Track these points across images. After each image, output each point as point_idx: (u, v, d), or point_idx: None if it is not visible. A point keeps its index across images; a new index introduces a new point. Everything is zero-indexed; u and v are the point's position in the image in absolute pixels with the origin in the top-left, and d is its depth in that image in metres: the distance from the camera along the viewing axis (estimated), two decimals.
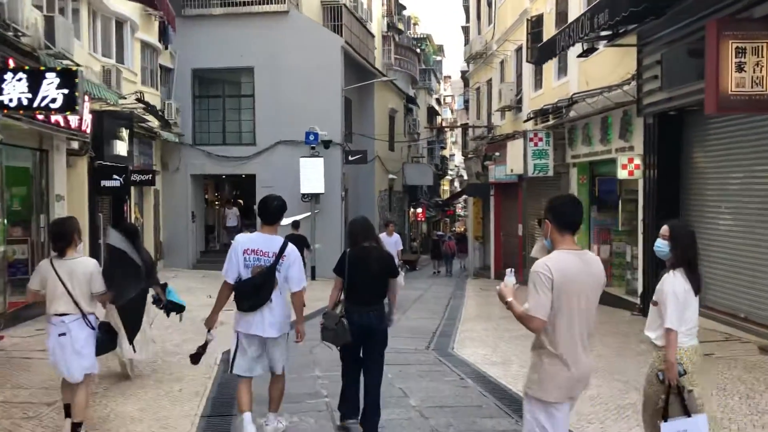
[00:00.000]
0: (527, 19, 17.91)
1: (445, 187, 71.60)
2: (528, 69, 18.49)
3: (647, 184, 10.92)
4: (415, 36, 52.10)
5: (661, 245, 4.26)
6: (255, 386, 5.37)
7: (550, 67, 16.48)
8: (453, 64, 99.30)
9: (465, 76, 28.75)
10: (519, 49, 19.57)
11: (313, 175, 20.83)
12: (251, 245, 5.09)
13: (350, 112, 24.66)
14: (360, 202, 26.63)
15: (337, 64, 21.86)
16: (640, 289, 11.35)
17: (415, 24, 57.07)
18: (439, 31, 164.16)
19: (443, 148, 64.88)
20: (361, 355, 5.50)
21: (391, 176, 30.19)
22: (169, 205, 22.08)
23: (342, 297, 5.45)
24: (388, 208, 30.41)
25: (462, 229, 71.58)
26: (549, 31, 16.48)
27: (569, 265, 3.50)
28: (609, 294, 13.32)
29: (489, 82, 23.82)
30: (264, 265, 5.01)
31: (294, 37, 21.78)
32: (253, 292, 5.02)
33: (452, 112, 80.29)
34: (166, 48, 21.20)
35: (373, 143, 26.31)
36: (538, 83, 17.99)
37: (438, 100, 67.18)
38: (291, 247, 5.15)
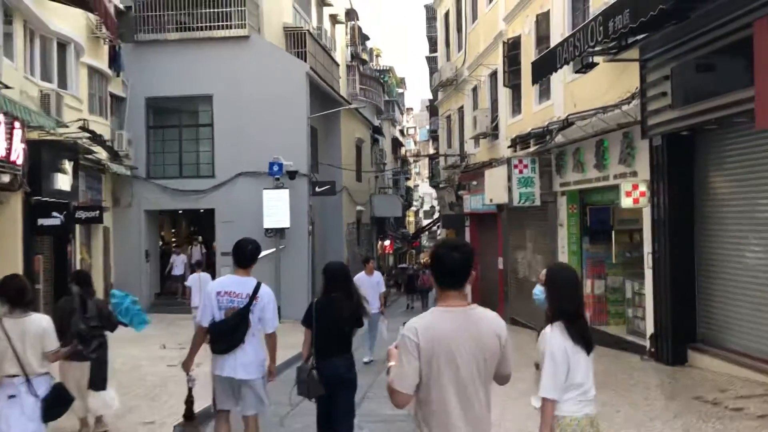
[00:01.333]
0: (503, 42, 16.98)
1: (410, 218, 70.61)
2: (504, 94, 17.49)
3: (655, 212, 9.81)
4: (378, 68, 51.46)
5: (538, 292, 3.94)
6: None
7: (531, 91, 15.49)
8: (414, 96, 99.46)
9: (435, 104, 27.80)
10: (494, 74, 18.61)
11: (277, 208, 19.42)
12: (225, 288, 5.20)
13: (316, 142, 23.40)
14: (328, 236, 25.23)
15: (302, 90, 20.62)
16: (650, 330, 10.17)
17: (377, 56, 56.57)
18: (400, 64, 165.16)
19: (408, 179, 64.12)
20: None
21: (359, 208, 28.89)
22: (121, 243, 20.37)
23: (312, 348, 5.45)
24: (357, 241, 29.05)
25: (426, 262, 70.67)
26: (528, 53, 15.54)
27: (444, 327, 2.91)
28: (607, 334, 12.16)
29: (460, 110, 22.83)
30: (237, 307, 5.09)
31: (255, 63, 20.50)
32: (226, 333, 5.08)
33: (415, 143, 79.96)
34: (118, 75, 19.77)
35: (341, 174, 25.03)
36: (516, 108, 16.98)
37: (401, 132, 66.55)
38: (264, 288, 5.28)
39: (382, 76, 46.90)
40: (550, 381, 3.41)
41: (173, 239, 26.55)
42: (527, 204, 13.72)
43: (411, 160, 68.27)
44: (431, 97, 43.60)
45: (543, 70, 10.65)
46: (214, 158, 20.74)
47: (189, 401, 5.60)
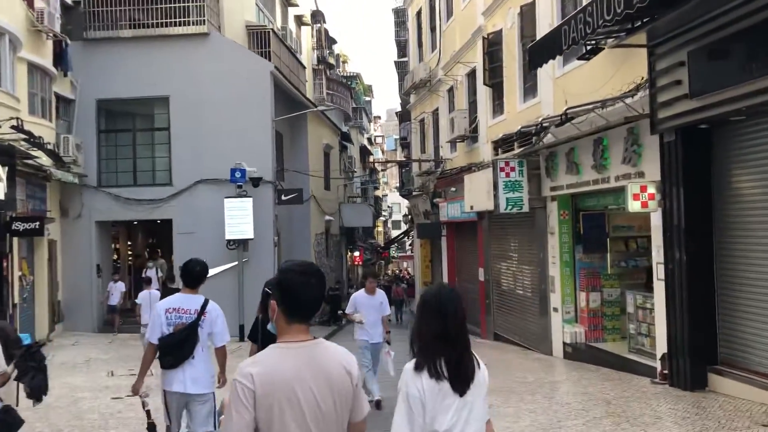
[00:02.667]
0: (483, 38, 15.85)
1: (379, 228, 69.40)
2: (484, 93, 16.35)
3: (668, 217, 8.66)
4: (345, 74, 50.24)
5: None
6: None
7: (514, 88, 14.38)
8: (381, 105, 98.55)
9: (406, 108, 26.62)
10: (472, 73, 17.47)
11: (240, 218, 17.98)
12: (173, 305, 5.34)
13: (281, 148, 22.03)
14: (295, 248, 23.80)
15: (266, 92, 19.24)
16: (661, 350, 9.00)
17: (344, 62, 55.38)
18: (367, 72, 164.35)
19: (376, 188, 62.99)
20: None
21: (328, 218, 27.52)
22: (69, 257, 18.75)
23: None
24: (326, 252, 27.66)
25: (395, 273, 69.38)
26: (511, 48, 14.43)
27: (285, 367, 2.49)
28: (605, 352, 11.02)
29: (435, 113, 21.67)
30: (186, 322, 5.21)
31: (216, 62, 19.09)
32: (174, 347, 5.17)
33: (383, 152, 78.92)
34: (65, 75, 18.20)
35: (308, 182, 23.66)
36: (497, 108, 15.84)
37: (369, 140, 65.42)
38: (213, 304, 5.39)
39: (349, 82, 45.70)
40: (403, 426, 2.79)
41: (129, 252, 24.91)
42: (515, 211, 12.54)
43: (380, 168, 67.17)
44: (400, 104, 42.55)
45: (542, 55, 9.46)
46: (171, 165, 19.25)
47: (150, 426, 5.56)
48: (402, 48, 38.90)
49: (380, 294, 9.21)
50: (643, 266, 12.30)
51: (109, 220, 19.81)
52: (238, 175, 18.04)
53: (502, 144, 15.40)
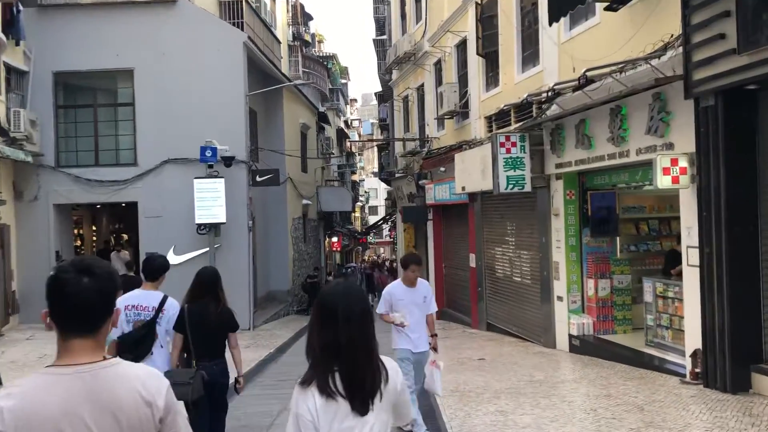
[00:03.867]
0: (476, 3, 14.59)
1: (356, 214, 68.08)
2: (477, 65, 15.12)
3: (703, 194, 7.53)
4: (321, 54, 48.69)
5: None
6: None
7: (511, 57, 13.17)
8: (356, 89, 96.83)
9: (389, 85, 25.26)
10: (462, 43, 16.23)
11: (211, 200, 16.59)
12: (132, 302, 5.41)
13: (256, 128, 20.64)
14: (270, 233, 22.49)
15: (238, 64, 17.81)
16: (691, 345, 7.90)
17: (320, 41, 53.79)
18: (342, 55, 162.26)
19: (353, 172, 61.68)
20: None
21: (305, 201, 26.17)
22: (25, 244, 17.21)
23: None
24: (303, 238, 26.34)
25: (372, 258, 68.28)
26: (507, 13, 13.20)
27: (50, 401, 1.89)
28: (617, 345, 9.94)
29: (420, 89, 20.40)
30: (144, 320, 5.34)
31: (184, 32, 17.61)
32: (134, 345, 5.23)
33: (359, 136, 77.52)
34: (17, 44, 16.59)
35: (285, 163, 22.27)
36: (491, 81, 14.63)
37: (346, 123, 63.95)
38: (171, 301, 5.50)
39: (326, 62, 44.19)
40: None
41: (93, 238, 23.38)
42: (516, 190, 11.34)
43: (357, 152, 65.80)
44: (380, 83, 41.13)
45: (566, 3, 8.23)
46: (136, 143, 17.75)
47: None
48: (381, 25, 37.44)
49: (423, 285, 6.91)
50: (656, 251, 11.29)
51: (69, 203, 18.26)
52: (208, 153, 16.63)
53: (497, 119, 14.22)
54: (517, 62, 12.97)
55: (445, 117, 16.79)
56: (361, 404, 2.32)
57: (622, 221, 11.10)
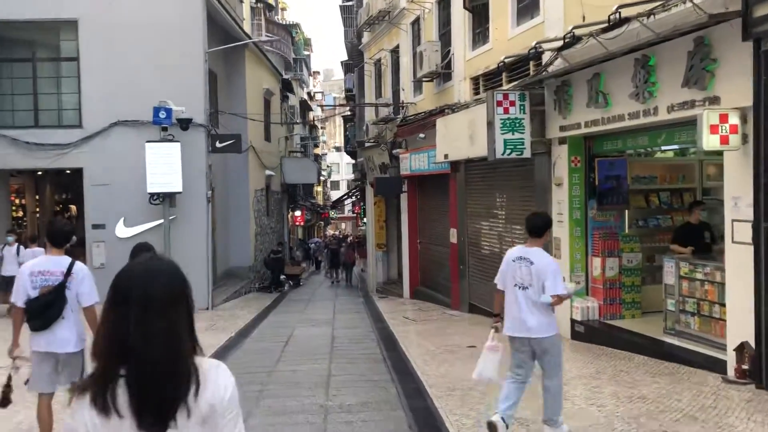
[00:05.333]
0: None
1: (319, 188, 66.43)
2: (462, 21, 13.71)
3: (762, 157, 6.29)
4: (285, 22, 46.67)
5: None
6: None
7: (504, 9, 11.81)
8: (319, 63, 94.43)
9: (359, 48, 23.63)
10: None
11: (165, 166, 14.92)
12: (38, 267, 5.27)
13: (215, 91, 18.92)
14: (231, 205, 20.88)
15: (197, 16, 16.08)
16: (735, 338, 6.72)
17: (283, 9, 51.72)
18: (305, 26, 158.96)
19: (316, 146, 60.00)
20: None
21: (268, 172, 24.54)
22: None
23: None
24: (266, 211, 24.74)
25: (335, 233, 66.90)
26: None
27: None
28: (631, 333, 8.78)
29: (395, 51, 18.91)
30: (52, 285, 5.19)
31: None
32: (41, 310, 5.16)
33: (322, 109, 75.68)
34: None
35: (247, 131, 20.61)
36: (479, 37, 13.25)
37: (309, 95, 62.02)
38: (79, 265, 5.35)
39: (291, 30, 42.23)
40: None
41: (37, 209, 21.45)
42: (513, 156, 10.02)
43: (320, 125, 64.03)
44: (347, 50, 39.37)
45: None
46: (81, 103, 15.96)
47: (7, 386, 5.35)
48: None
49: (540, 256, 5.41)
50: (666, 226, 10.14)
51: (5, 168, 16.41)
52: (162, 115, 14.94)
53: (486, 80, 12.88)
54: (511, 14, 11.60)
55: (424, 79, 15.37)
56: (153, 423, 1.76)
57: (631, 193, 9.90)
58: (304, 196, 42.78)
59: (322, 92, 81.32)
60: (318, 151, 63.83)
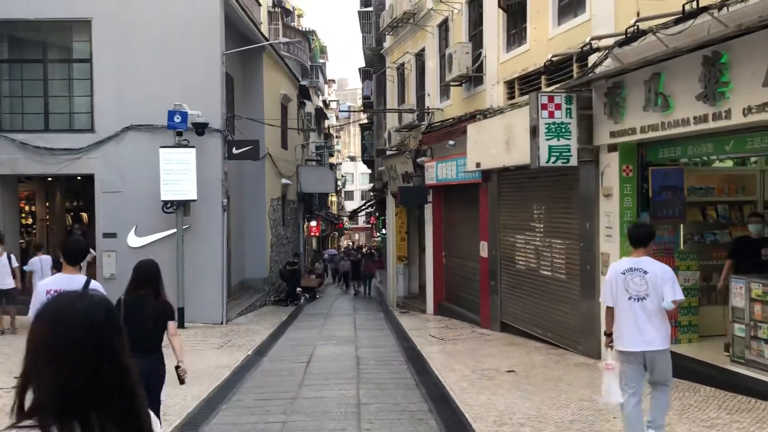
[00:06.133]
0: None
1: (333, 198, 65.83)
2: (495, 21, 12.93)
3: None
4: (301, 29, 46.16)
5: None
6: None
7: (544, 7, 11.02)
8: (333, 72, 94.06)
9: (381, 53, 22.89)
10: None
11: (180, 173, 14.21)
12: (53, 286, 5.26)
13: (232, 96, 18.22)
14: (246, 215, 20.16)
15: (214, 17, 15.40)
16: None
17: (299, 16, 51.25)
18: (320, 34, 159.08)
19: (331, 155, 59.37)
20: None
21: (285, 181, 23.81)
22: None
23: None
24: (282, 221, 24.00)
25: (349, 245, 66.12)
26: None
27: None
28: (690, 359, 7.92)
29: (420, 55, 18.15)
30: None
31: None
32: None
33: (337, 118, 75.14)
34: None
35: (263, 137, 19.90)
36: (515, 38, 12.46)
37: (324, 103, 61.52)
38: (95, 284, 5.36)
39: (308, 35, 41.67)
40: None
41: (47, 216, 20.82)
42: (558, 164, 9.20)
43: (335, 134, 63.41)
44: (364, 57, 38.67)
45: None
46: (93, 106, 15.29)
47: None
48: None
49: (654, 264, 5.48)
50: (724, 242, 9.27)
51: (13, 174, 15.73)
52: (177, 119, 14.23)
53: (522, 83, 12.07)
54: (552, 13, 10.80)
55: (453, 84, 14.59)
56: None
57: (686, 205, 9.04)
58: (319, 206, 42.09)
59: (337, 101, 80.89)
60: (333, 160, 63.30)
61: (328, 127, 60.84)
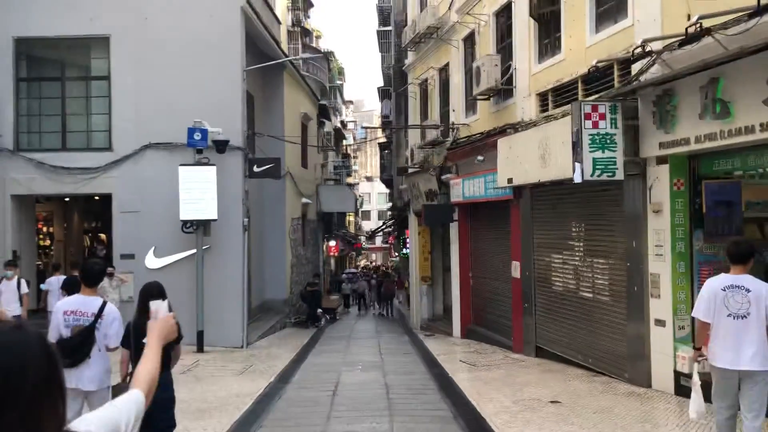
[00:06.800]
0: None
1: (350, 218, 65.39)
2: (526, 31, 12.43)
3: None
4: (319, 49, 46.07)
5: None
6: None
7: (581, 14, 10.49)
8: (349, 93, 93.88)
9: (403, 69, 22.46)
10: (504, 9, 13.57)
11: (200, 192, 13.77)
12: (71, 307, 5.59)
13: (252, 114, 17.81)
14: (266, 234, 19.69)
15: (235, 33, 15.04)
16: None
17: (318, 37, 51.24)
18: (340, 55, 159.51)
19: (349, 175, 59.02)
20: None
21: (305, 200, 23.35)
22: None
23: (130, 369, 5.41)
24: (302, 241, 23.50)
25: (364, 265, 65.48)
26: None
27: None
28: None
29: (443, 70, 17.68)
30: (83, 325, 5.51)
31: None
32: (72, 350, 5.40)
33: (354, 139, 75.00)
34: None
35: (284, 156, 19.46)
36: (548, 49, 11.94)
37: (342, 124, 61.37)
38: (110, 307, 5.63)
39: (327, 56, 41.49)
40: None
41: (64, 237, 20.48)
42: (603, 177, 8.61)
43: (353, 154, 63.12)
44: (383, 77, 38.42)
45: None
46: (111, 124, 14.96)
47: None
48: (385, 16, 34.87)
49: (757, 282, 5.35)
50: None
51: (30, 194, 15.37)
52: (197, 136, 13.84)
53: (555, 95, 11.53)
54: (589, 20, 10.27)
55: (480, 98, 14.07)
56: None
57: (746, 220, 8.40)
58: (338, 226, 41.60)
59: (354, 121, 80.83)
60: (350, 180, 63.04)
61: (346, 147, 60.64)
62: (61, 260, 18.49)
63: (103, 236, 20.40)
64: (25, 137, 15.22)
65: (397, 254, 43.53)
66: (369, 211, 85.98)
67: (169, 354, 5.23)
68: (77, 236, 20.67)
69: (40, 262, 19.24)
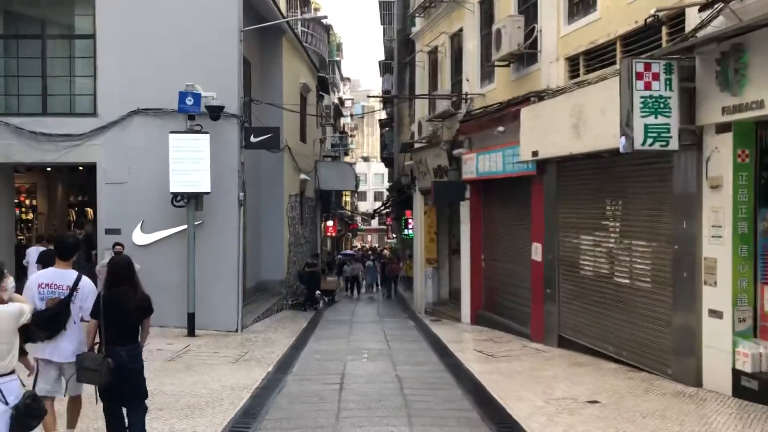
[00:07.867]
0: None
1: (347, 197, 64.23)
2: None
3: None
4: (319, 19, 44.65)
5: None
6: None
7: None
8: (346, 70, 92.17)
9: (410, 37, 21.20)
10: None
11: (192, 162, 12.63)
12: (45, 280, 5.60)
13: (249, 81, 16.57)
14: (263, 211, 18.55)
15: None
16: None
17: (316, 10, 49.77)
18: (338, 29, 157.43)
19: (346, 153, 57.80)
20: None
21: (303, 177, 22.18)
22: None
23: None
24: (300, 219, 22.36)
25: (361, 247, 64.47)
26: None
27: None
28: None
29: (456, 37, 16.45)
30: (59, 297, 5.53)
31: None
32: (47, 322, 5.42)
33: (352, 117, 73.67)
34: None
35: (282, 127, 18.25)
36: (578, 8, 10.77)
37: (340, 100, 60.04)
38: (85, 280, 5.69)
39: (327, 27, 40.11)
40: None
41: (47, 208, 19.33)
42: (656, 147, 7.49)
43: (350, 132, 61.92)
44: (384, 50, 37.16)
45: None
46: (96, 87, 13.75)
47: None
48: None
49: None
50: None
51: (7, 162, 14.16)
52: (189, 101, 12.65)
53: (587, 59, 10.39)
54: None
55: (499, 64, 12.90)
56: None
57: None
58: (335, 205, 40.49)
59: (352, 99, 79.40)
60: (348, 158, 61.85)
61: (344, 125, 59.41)
62: (44, 233, 17.33)
63: (89, 210, 19.25)
64: (2, 100, 14.03)
65: (394, 236, 42.46)
66: (365, 192, 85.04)
67: (137, 327, 5.45)
68: (61, 209, 19.50)
69: (22, 237, 18.12)
